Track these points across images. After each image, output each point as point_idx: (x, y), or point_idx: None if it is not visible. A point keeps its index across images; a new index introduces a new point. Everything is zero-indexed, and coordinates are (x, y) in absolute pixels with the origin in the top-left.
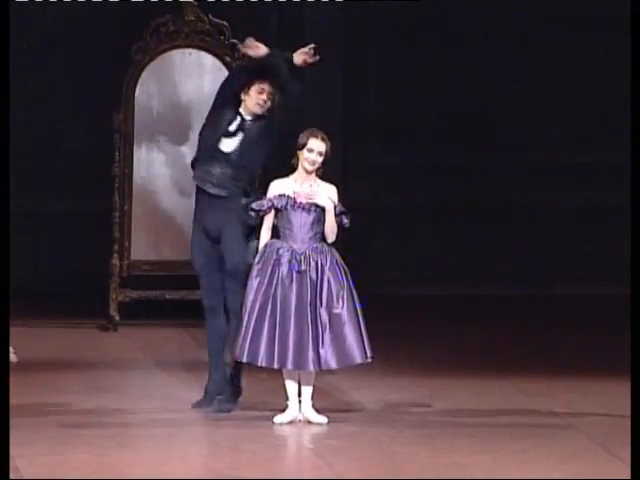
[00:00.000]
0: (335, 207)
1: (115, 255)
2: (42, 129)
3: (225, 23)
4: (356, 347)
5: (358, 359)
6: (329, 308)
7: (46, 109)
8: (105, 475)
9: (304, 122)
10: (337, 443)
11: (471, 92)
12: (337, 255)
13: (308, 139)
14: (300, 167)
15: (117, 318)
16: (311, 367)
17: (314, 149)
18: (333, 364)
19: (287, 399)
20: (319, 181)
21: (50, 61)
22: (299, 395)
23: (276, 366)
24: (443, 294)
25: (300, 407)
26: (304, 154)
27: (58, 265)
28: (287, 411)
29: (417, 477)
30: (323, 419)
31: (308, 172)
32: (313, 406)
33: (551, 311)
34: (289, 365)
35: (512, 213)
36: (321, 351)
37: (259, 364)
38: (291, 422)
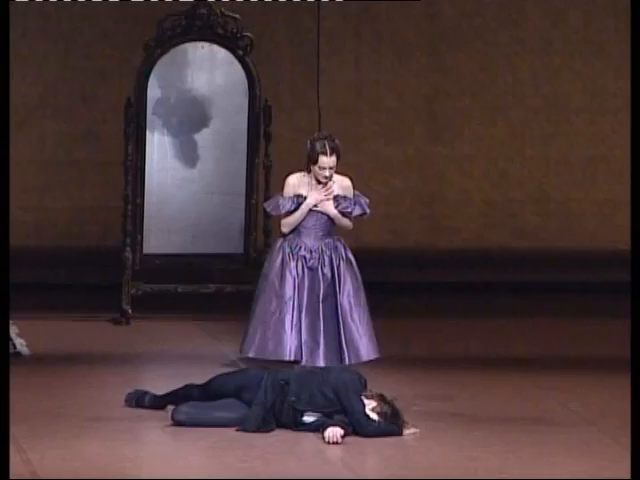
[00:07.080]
0: (344, 204)
1: (128, 248)
2: (56, 121)
3: (237, 16)
4: (371, 343)
5: (372, 355)
6: (349, 305)
7: (61, 102)
8: (118, 468)
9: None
10: (349, 437)
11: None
12: (349, 251)
13: (318, 156)
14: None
15: (130, 311)
16: (322, 362)
17: (325, 166)
18: (351, 360)
19: None
20: (334, 176)
21: (66, 54)
22: None
23: (288, 359)
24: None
25: None
26: (316, 169)
27: (71, 258)
28: None
29: (429, 470)
30: None
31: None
32: None
33: (566, 303)
34: (302, 360)
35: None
36: (342, 346)
37: (277, 358)
38: None
